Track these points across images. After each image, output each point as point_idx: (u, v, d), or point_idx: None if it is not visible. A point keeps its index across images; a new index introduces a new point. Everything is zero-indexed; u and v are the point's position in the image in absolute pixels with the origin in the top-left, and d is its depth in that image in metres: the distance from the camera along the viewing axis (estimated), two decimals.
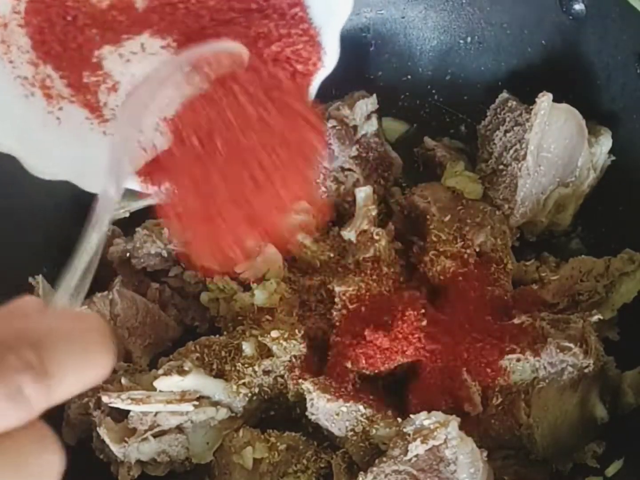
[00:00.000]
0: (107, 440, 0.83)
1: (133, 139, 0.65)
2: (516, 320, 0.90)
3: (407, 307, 0.89)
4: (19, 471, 0.40)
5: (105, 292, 0.93)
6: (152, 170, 0.70)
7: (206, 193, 0.65)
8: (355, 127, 1.04)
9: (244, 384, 0.86)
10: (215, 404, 0.86)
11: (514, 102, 0.99)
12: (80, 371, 0.43)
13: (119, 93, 0.74)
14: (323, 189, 1.03)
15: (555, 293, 0.93)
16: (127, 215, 1.01)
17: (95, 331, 0.44)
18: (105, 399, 0.83)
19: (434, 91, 1.14)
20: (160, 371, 0.86)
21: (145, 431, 0.83)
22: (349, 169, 1.03)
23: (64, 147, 0.72)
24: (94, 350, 0.44)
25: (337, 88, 1.11)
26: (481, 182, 1.01)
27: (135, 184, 0.70)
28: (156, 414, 0.84)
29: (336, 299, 0.92)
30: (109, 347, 0.44)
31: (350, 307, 0.90)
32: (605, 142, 0.98)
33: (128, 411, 0.84)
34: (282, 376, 0.88)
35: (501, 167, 0.98)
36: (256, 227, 0.67)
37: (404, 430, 0.79)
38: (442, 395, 0.86)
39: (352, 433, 0.84)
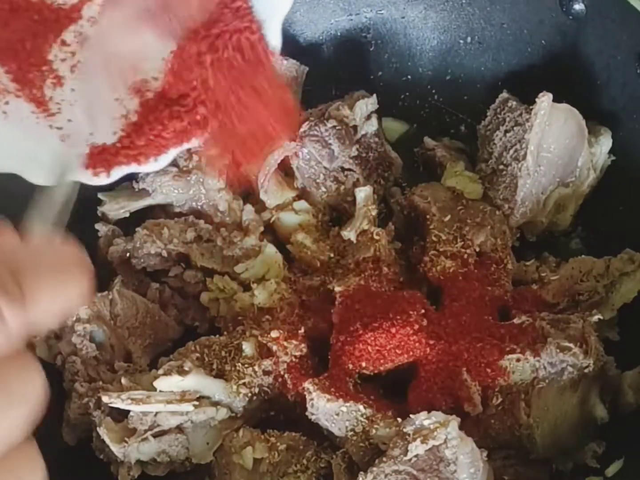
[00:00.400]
0: (107, 440, 0.83)
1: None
2: (516, 320, 0.90)
3: (407, 307, 0.89)
4: (3, 397, 0.42)
5: (105, 292, 0.93)
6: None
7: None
8: (355, 127, 1.04)
9: (244, 384, 0.86)
10: (215, 404, 0.86)
11: (514, 102, 0.99)
12: (55, 292, 0.45)
13: (65, 87, 0.76)
14: (323, 189, 1.03)
15: (555, 293, 0.93)
16: (127, 215, 1.01)
17: (69, 255, 0.47)
18: (105, 399, 0.83)
19: (434, 91, 1.14)
20: (161, 371, 0.86)
21: (145, 431, 0.83)
22: (349, 169, 1.03)
23: (10, 140, 0.73)
24: (69, 272, 0.46)
25: (337, 88, 1.11)
26: (481, 182, 1.01)
27: (84, 177, 0.72)
28: (156, 414, 0.84)
29: (336, 299, 0.92)
30: (83, 269, 0.46)
31: (351, 307, 0.90)
32: (605, 142, 0.98)
33: (128, 411, 0.84)
34: (282, 376, 0.88)
35: (501, 167, 0.98)
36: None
37: (404, 430, 0.79)
38: (442, 395, 0.86)
39: (352, 433, 0.83)
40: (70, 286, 0.46)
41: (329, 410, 0.84)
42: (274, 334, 0.89)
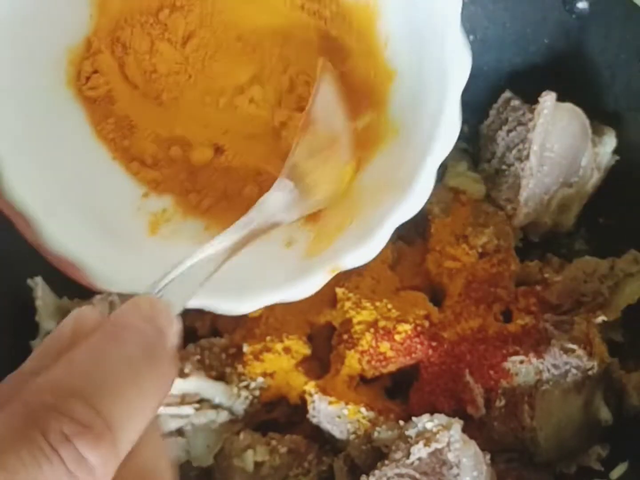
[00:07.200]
0: None
1: None
2: (519, 322, 0.89)
3: (410, 309, 0.89)
4: None
5: (105, 295, 0.92)
6: None
7: None
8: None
9: (245, 386, 0.86)
10: (216, 406, 0.85)
11: (517, 102, 0.98)
12: (144, 402, 0.34)
13: None
14: None
15: (559, 294, 0.92)
16: None
17: (157, 333, 0.36)
18: None
19: None
20: None
21: None
22: None
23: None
24: (155, 365, 0.34)
25: None
26: (484, 182, 1.01)
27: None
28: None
29: (337, 301, 0.91)
30: (170, 352, 0.35)
31: (352, 308, 0.90)
32: (609, 141, 0.97)
33: None
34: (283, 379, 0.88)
35: (504, 167, 0.98)
36: None
37: (406, 433, 0.78)
38: (444, 397, 0.86)
39: (354, 436, 0.83)
40: (159, 384, 0.35)
41: (331, 413, 0.83)
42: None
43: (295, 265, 0.62)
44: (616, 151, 0.98)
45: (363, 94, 0.66)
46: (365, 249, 0.59)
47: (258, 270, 0.62)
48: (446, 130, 0.60)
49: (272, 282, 0.60)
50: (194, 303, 0.57)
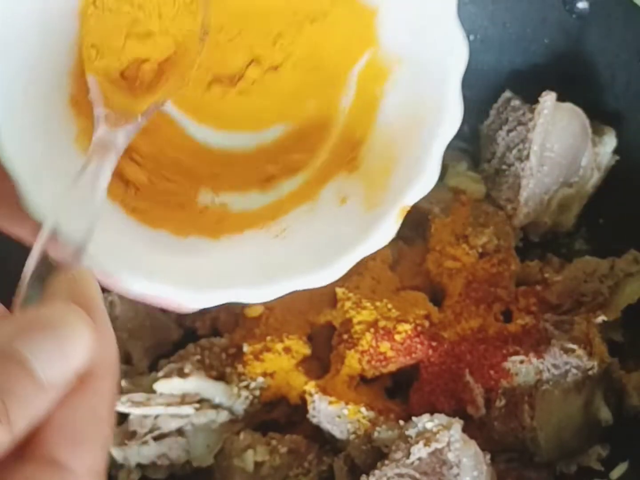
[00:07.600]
0: None
1: None
2: (519, 322, 0.89)
3: (410, 308, 0.89)
4: None
5: (105, 294, 0.92)
6: None
7: None
8: None
9: (245, 386, 0.86)
10: (216, 406, 0.85)
11: (517, 102, 0.98)
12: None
13: None
14: None
15: (559, 294, 0.92)
16: None
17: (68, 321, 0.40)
18: None
19: None
20: (161, 373, 0.86)
21: (146, 434, 0.83)
22: None
23: None
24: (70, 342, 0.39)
25: None
26: (484, 182, 1.01)
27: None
28: (156, 417, 0.83)
29: (337, 301, 0.91)
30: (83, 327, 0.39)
31: (352, 308, 0.90)
32: (609, 141, 0.97)
33: (128, 414, 0.83)
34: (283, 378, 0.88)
35: (504, 167, 0.98)
36: None
37: (407, 433, 0.78)
38: (445, 397, 0.85)
39: (354, 436, 0.83)
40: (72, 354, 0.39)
41: (331, 413, 0.83)
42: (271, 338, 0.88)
43: (363, 219, 0.62)
44: (616, 151, 0.98)
45: (350, 39, 0.68)
46: (423, 180, 0.60)
47: (328, 236, 0.62)
48: (456, 48, 0.64)
49: (349, 241, 0.60)
50: (285, 288, 0.57)
